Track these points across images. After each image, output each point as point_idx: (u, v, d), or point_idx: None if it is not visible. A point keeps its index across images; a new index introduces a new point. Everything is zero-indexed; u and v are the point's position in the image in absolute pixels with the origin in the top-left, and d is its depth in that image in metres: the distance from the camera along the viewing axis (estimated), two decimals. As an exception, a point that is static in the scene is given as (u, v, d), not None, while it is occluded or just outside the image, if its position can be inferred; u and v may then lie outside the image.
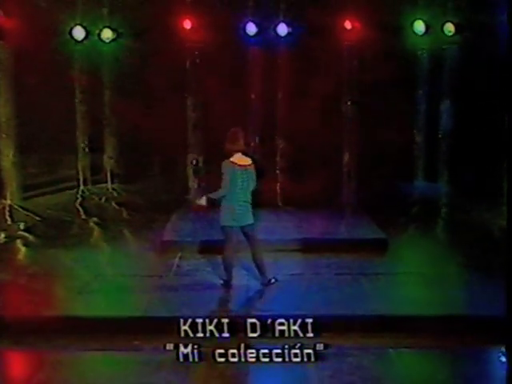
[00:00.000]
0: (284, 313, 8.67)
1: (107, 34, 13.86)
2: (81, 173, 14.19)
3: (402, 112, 13.97)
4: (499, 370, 6.95)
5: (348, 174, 14.12)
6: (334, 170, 14.07)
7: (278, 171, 14.11)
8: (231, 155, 9.34)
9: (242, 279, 9.86)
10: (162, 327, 8.44)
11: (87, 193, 13.92)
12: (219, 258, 9.75)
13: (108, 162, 14.39)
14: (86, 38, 13.73)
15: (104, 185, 14.25)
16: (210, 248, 10.77)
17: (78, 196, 13.73)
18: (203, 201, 9.42)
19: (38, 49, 13.38)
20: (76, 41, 13.71)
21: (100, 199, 13.70)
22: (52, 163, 14.41)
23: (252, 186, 9.43)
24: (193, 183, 14.09)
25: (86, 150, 14.25)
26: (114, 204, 13.50)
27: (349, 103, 14.15)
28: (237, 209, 9.32)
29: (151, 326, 8.64)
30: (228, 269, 9.63)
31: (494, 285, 8.73)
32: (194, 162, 14.00)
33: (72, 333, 8.44)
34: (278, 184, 13.97)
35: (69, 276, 10.06)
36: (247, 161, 9.41)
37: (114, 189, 14.10)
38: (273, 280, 9.80)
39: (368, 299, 9.24)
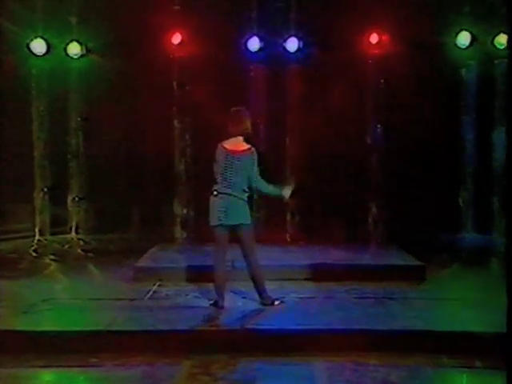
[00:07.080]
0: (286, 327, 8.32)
1: (75, 49, 13.68)
2: (38, 222, 13.65)
3: (442, 142, 13.48)
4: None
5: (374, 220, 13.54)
6: (359, 206, 13.65)
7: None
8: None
9: (237, 300, 9.53)
10: (127, 342, 8.22)
11: (45, 242, 13.38)
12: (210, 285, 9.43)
13: (74, 208, 13.86)
14: (47, 52, 13.62)
15: (68, 235, 13.70)
16: (196, 275, 10.46)
17: (34, 244, 13.18)
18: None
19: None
20: (35, 56, 13.60)
21: (62, 246, 13.18)
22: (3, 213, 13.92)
23: (247, 177, 9.06)
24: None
25: (46, 194, 13.75)
26: (78, 250, 12.95)
27: (376, 131, 13.68)
28: (225, 203, 9.02)
29: (114, 341, 8.27)
30: (219, 284, 9.23)
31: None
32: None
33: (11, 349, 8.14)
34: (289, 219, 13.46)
35: (10, 299, 9.72)
36: (242, 146, 9.15)
37: (80, 238, 13.54)
38: (277, 302, 9.38)
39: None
